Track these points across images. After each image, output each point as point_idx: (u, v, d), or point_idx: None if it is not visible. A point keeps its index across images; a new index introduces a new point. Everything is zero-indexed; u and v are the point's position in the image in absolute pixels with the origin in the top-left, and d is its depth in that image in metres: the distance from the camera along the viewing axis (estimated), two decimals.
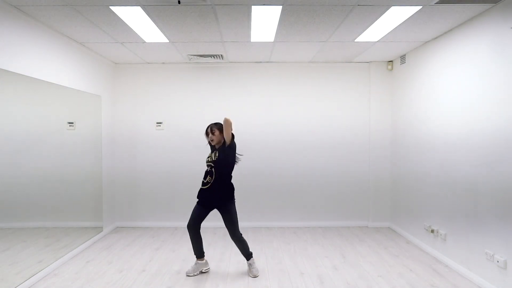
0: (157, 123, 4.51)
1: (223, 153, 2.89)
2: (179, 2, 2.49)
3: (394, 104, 4.40)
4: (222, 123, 2.85)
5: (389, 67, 4.44)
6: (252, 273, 2.98)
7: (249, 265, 3.02)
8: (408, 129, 3.98)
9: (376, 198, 4.53)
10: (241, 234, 2.98)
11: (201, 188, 2.96)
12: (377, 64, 4.49)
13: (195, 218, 2.94)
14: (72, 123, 3.50)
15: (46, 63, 3.07)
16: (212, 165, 2.90)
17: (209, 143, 3.03)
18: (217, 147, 2.97)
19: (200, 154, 4.50)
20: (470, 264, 2.88)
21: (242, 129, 4.51)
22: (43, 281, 2.86)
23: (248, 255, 3.03)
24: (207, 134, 2.99)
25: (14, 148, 2.73)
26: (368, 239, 4.01)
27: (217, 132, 2.93)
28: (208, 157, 2.98)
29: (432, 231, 3.42)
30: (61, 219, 3.38)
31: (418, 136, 3.74)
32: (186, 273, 2.99)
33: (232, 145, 2.91)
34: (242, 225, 4.49)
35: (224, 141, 2.89)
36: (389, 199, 4.52)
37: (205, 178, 2.94)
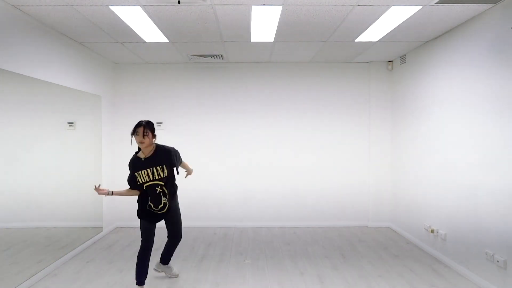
0: (157, 123, 4.51)
1: (171, 168, 2.56)
2: (179, 2, 2.49)
3: (394, 103, 4.40)
4: (187, 169, 2.88)
5: (389, 67, 4.44)
6: (174, 274, 2.91)
7: (170, 267, 2.92)
8: (408, 129, 3.98)
9: (376, 198, 4.53)
10: None
11: (154, 212, 2.57)
12: (377, 64, 4.49)
13: (151, 237, 2.58)
14: (72, 123, 3.50)
15: (46, 63, 3.07)
16: (162, 183, 2.50)
17: (139, 148, 2.52)
18: (147, 155, 2.49)
19: (200, 154, 4.50)
20: (470, 264, 2.88)
21: (242, 128, 4.52)
22: (43, 281, 2.86)
23: (170, 258, 2.92)
24: (138, 135, 2.40)
25: (14, 148, 2.73)
26: (368, 239, 4.01)
27: (150, 135, 2.45)
28: (149, 175, 2.47)
29: (432, 231, 3.42)
30: (61, 219, 3.37)
31: (418, 135, 3.74)
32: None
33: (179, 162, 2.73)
34: (243, 225, 4.53)
35: (174, 158, 2.59)
36: (389, 199, 4.52)
37: (157, 203, 2.51)
